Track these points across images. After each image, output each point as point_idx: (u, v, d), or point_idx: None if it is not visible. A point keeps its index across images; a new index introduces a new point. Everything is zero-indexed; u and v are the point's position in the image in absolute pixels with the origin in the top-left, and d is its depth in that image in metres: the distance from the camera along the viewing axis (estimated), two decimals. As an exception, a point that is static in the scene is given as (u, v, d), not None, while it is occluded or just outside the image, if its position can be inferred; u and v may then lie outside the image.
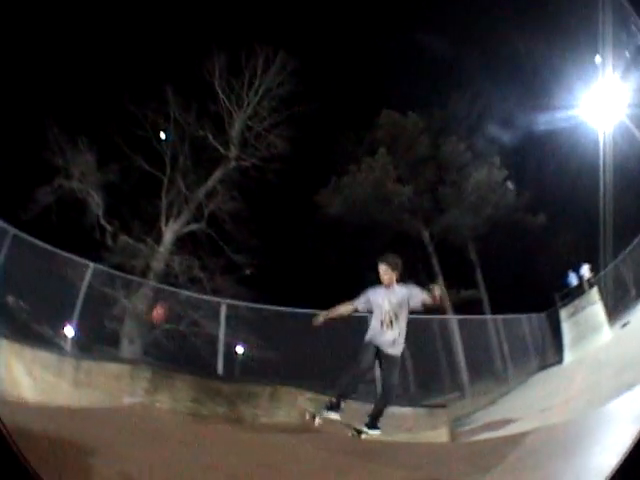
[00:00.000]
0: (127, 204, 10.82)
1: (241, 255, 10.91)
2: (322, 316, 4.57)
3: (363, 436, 4.35)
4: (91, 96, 11.26)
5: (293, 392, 8.05)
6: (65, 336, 11.76)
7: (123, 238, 10.56)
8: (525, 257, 13.68)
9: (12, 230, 8.85)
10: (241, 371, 10.19)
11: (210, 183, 11.20)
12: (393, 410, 8.67)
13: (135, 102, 10.99)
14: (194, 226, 11.02)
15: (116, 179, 10.83)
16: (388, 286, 4.40)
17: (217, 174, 11.29)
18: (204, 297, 10.03)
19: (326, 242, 12.44)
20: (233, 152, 11.42)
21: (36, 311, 10.35)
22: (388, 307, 4.34)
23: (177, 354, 9.65)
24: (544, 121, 11.44)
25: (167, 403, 7.76)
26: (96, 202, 10.62)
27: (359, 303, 4.52)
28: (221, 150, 11.39)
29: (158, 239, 10.84)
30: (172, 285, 10.21)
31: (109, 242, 10.53)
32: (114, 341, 9.90)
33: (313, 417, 4.37)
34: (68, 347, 10.71)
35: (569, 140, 11.10)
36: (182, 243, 10.92)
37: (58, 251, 8.95)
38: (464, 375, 10.61)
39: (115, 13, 11.26)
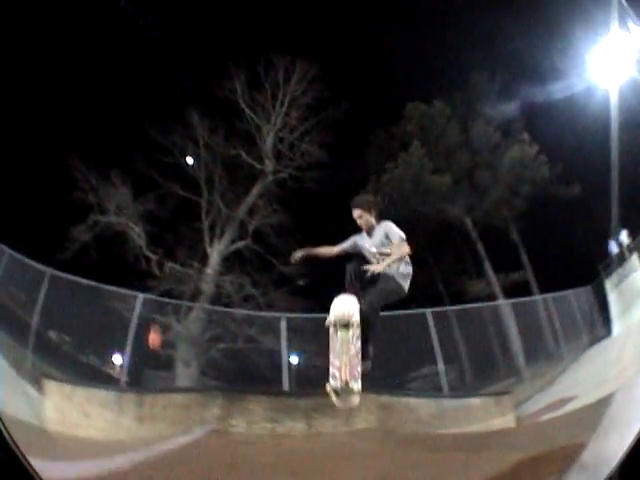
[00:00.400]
0: (169, 231, 10.87)
1: (291, 267, 10.65)
2: (301, 252, 4.35)
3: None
4: (116, 129, 11.42)
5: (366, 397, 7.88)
6: (114, 365, 11.81)
7: (169, 265, 10.41)
8: (565, 231, 13.25)
9: (49, 271, 9.21)
10: (299, 382, 9.94)
11: (250, 199, 11.11)
12: (461, 402, 8.66)
13: (161, 130, 11.06)
14: (240, 244, 10.91)
15: (154, 208, 10.81)
16: (369, 230, 4.01)
17: (256, 190, 11.20)
18: (262, 313, 9.85)
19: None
20: (269, 166, 11.31)
21: (82, 344, 10.53)
22: (374, 250, 3.95)
23: (235, 372, 9.51)
24: (558, 89, 11.16)
25: (242, 427, 7.54)
26: (137, 233, 10.60)
27: (345, 245, 4.21)
28: (256, 165, 11.29)
29: (204, 261, 10.71)
30: (226, 305, 10.14)
31: (156, 271, 10.40)
32: (167, 366, 9.93)
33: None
34: (121, 376, 10.83)
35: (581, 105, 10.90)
36: (229, 262, 10.83)
37: (101, 285, 9.08)
38: (520, 359, 10.30)
39: (131, 46, 11.37)
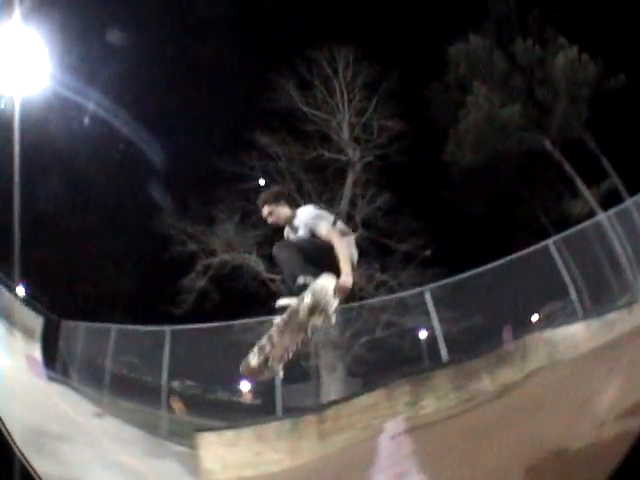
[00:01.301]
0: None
1: (408, 242, 10.61)
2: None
3: None
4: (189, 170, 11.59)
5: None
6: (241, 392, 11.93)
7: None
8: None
9: (167, 329, 9.58)
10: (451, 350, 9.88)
11: (347, 192, 11.07)
12: (604, 319, 8.27)
13: (233, 159, 11.19)
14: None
15: (260, 232, 10.76)
16: (290, 224, 3.37)
17: (350, 180, 11.15)
18: (404, 294, 9.72)
19: (471, 193, 12.03)
20: (353, 153, 11.26)
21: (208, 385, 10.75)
22: None
23: (384, 362, 9.50)
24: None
25: (432, 405, 7.33)
26: (253, 260, 10.65)
27: None
28: (342, 158, 11.28)
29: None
30: (361, 298, 9.99)
31: (280, 289, 10.52)
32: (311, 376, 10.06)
33: None
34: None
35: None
36: None
37: (222, 324, 9.20)
38: (629, 272, 9.68)
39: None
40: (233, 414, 10.29)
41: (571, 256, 10.10)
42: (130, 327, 11.13)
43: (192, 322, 9.82)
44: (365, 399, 7.68)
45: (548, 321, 9.69)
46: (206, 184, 11.74)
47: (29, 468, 2.25)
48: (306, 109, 11.60)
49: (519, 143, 12.62)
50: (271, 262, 10.78)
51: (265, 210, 3.39)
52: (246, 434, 7.10)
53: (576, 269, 10.10)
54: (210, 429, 7.41)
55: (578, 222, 11.33)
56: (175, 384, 10.81)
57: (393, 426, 6.86)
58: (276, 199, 3.41)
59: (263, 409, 10.00)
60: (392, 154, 11.21)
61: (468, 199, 12.25)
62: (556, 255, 9.32)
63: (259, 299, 10.35)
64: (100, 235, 13.18)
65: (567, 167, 13.29)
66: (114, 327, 11.49)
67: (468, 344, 8.90)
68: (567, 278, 9.28)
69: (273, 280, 10.63)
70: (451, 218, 11.73)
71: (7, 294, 14.73)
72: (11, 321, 14.25)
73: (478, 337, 9.02)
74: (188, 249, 10.83)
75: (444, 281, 9.53)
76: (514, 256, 9.10)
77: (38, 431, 6.05)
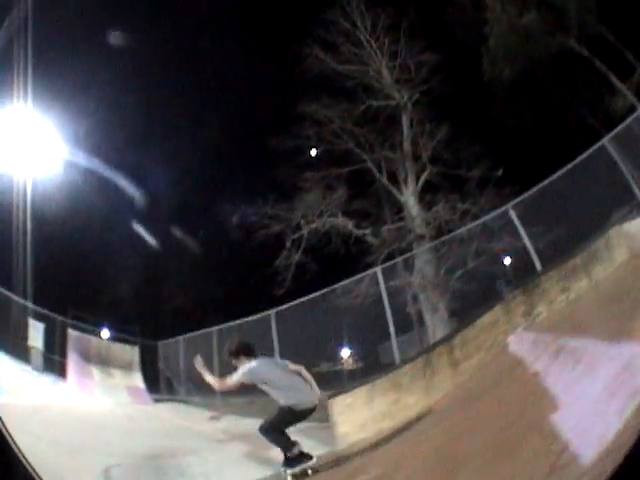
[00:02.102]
0: (360, 203, 11.01)
1: (478, 167, 10.60)
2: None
3: None
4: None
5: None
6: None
7: (379, 231, 10.55)
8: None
9: (272, 311, 9.97)
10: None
11: (406, 134, 11.12)
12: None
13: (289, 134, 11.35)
14: (424, 176, 10.89)
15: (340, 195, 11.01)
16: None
17: (405, 123, 11.19)
18: (488, 216, 9.55)
19: (519, 107, 12.10)
20: (400, 96, 11.29)
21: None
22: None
23: (482, 292, 9.24)
24: None
25: (545, 311, 7.14)
26: (341, 222, 10.78)
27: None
28: (390, 103, 11.31)
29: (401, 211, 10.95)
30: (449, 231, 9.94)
31: (372, 240, 10.61)
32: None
33: None
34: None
35: None
36: (427, 197, 10.79)
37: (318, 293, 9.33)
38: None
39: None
40: (338, 382, 10.49)
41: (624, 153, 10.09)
42: (231, 324, 11.43)
43: (295, 299, 9.89)
44: (486, 318, 7.58)
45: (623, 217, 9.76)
46: (271, 165, 11.97)
47: (29, 468, 2.27)
48: (340, 68, 11.61)
49: (547, 47, 12.62)
50: (358, 217, 11.04)
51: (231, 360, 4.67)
52: (380, 386, 7.12)
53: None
54: (341, 392, 7.35)
55: (623, 119, 11.43)
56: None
57: (516, 338, 6.86)
58: (236, 354, 4.65)
59: (369, 371, 10.18)
60: (435, 86, 11.19)
61: (517, 113, 12.21)
62: (616, 156, 9.30)
63: (354, 258, 10.53)
64: (179, 253, 13.25)
65: (598, 64, 13.30)
66: (215, 329, 11.66)
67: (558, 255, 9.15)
68: (629, 176, 9.28)
69: (364, 235, 10.75)
70: (508, 135, 11.69)
71: (95, 339, 14.94)
72: (106, 363, 14.39)
73: (565, 247, 9.06)
74: (273, 230, 10.98)
75: (525, 195, 9.52)
76: (577, 160, 8.97)
77: (154, 456, 6.33)
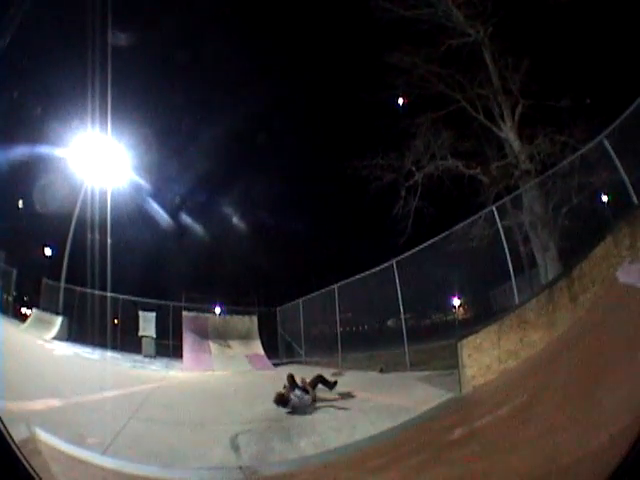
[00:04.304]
0: (463, 145, 11.20)
1: (567, 97, 10.33)
2: None
3: None
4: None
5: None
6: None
7: (489, 170, 10.72)
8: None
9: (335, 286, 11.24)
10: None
11: (492, 69, 11.02)
12: None
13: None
14: (517, 110, 10.77)
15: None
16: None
17: (487, 58, 11.09)
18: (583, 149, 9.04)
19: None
20: (476, 31, 11.19)
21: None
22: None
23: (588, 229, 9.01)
24: None
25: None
26: (452, 162, 11.05)
27: None
28: (468, 39, 11.29)
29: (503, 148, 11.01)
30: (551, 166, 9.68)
31: (483, 179, 10.81)
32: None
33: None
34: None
35: None
36: (527, 131, 10.65)
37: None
38: None
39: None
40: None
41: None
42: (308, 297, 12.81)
43: (415, 246, 10.17)
44: (599, 251, 7.11)
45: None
46: (370, 118, 12.15)
47: (29, 468, 2.23)
48: (408, 13, 11.36)
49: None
50: (468, 157, 11.12)
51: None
52: (509, 323, 7.04)
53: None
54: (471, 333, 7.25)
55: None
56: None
57: (624, 270, 6.58)
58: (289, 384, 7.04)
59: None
60: (508, 17, 10.80)
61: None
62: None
63: (467, 198, 10.69)
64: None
65: None
66: (335, 287, 12.67)
67: None
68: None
69: (476, 175, 10.89)
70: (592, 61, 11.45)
71: (210, 316, 15.88)
72: (224, 337, 15.32)
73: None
74: (387, 180, 11.15)
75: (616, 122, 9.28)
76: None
77: (280, 417, 6.56)
